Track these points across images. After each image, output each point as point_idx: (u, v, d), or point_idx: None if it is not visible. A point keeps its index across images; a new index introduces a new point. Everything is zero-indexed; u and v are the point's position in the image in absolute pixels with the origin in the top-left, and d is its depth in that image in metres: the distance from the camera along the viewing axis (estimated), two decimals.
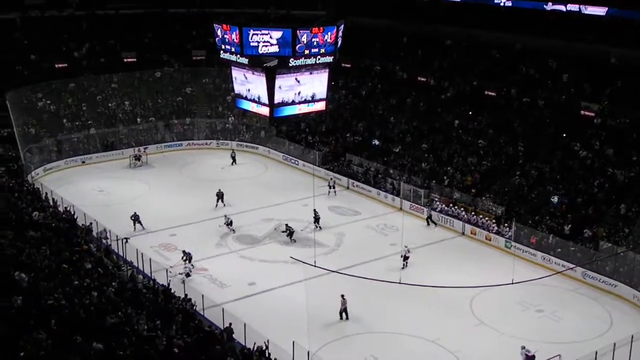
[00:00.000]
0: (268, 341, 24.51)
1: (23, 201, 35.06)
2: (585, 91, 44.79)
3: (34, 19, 60.07)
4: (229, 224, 39.60)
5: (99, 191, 46.44)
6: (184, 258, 34.25)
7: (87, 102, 57.10)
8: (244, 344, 25.45)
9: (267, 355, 23.99)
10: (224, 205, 43.28)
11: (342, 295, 30.25)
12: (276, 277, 34.18)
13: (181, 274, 33.38)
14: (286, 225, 39.08)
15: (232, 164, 53.08)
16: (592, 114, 43.22)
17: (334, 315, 30.45)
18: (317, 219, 40.44)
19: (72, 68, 58.25)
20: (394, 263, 35.07)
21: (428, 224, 41.52)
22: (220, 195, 43.74)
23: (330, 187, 46.60)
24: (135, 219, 39.64)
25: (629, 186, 37.93)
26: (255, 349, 24.12)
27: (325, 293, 32.02)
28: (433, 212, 41.84)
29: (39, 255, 26.80)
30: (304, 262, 30.37)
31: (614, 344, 25.53)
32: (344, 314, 30.32)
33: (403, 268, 34.80)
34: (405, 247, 35.36)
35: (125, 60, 60.48)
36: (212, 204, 43.56)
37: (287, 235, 38.66)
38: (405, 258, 35.34)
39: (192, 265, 34.18)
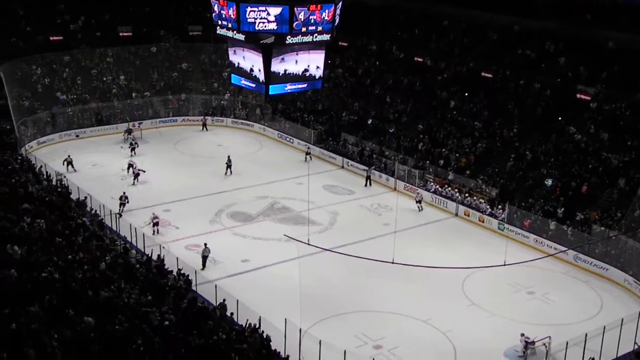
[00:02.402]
0: (260, 318, 24.62)
1: (17, 174, 34.90)
2: (582, 75, 44.71)
3: None
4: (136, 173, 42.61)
5: (93, 165, 46.29)
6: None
7: (82, 75, 56.75)
8: (236, 320, 25.56)
9: (259, 332, 24.09)
10: (231, 173, 45.23)
11: (205, 244, 32.77)
12: (269, 254, 34.25)
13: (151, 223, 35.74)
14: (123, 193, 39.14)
15: (202, 129, 55.30)
16: (588, 98, 43.19)
17: (326, 293, 30.69)
18: (229, 166, 44.87)
19: (67, 41, 57.81)
20: (387, 242, 35.08)
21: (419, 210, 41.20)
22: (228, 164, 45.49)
23: (307, 154, 48.45)
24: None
25: (622, 170, 38.02)
26: (247, 325, 24.23)
27: (318, 271, 32.20)
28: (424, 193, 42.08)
29: (33, 229, 26.73)
30: (297, 240, 30.41)
31: (604, 327, 25.63)
32: (207, 262, 32.67)
33: (420, 210, 40.59)
34: (418, 193, 41.27)
35: (121, 34, 60.04)
36: (206, 180, 43.85)
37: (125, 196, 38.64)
38: (418, 201, 40.69)
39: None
